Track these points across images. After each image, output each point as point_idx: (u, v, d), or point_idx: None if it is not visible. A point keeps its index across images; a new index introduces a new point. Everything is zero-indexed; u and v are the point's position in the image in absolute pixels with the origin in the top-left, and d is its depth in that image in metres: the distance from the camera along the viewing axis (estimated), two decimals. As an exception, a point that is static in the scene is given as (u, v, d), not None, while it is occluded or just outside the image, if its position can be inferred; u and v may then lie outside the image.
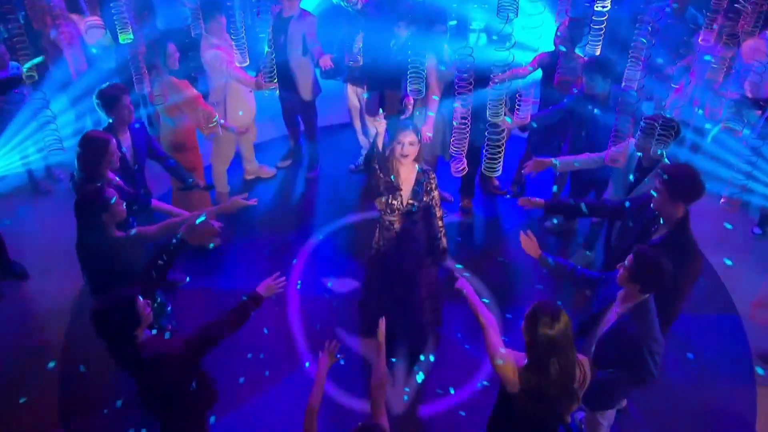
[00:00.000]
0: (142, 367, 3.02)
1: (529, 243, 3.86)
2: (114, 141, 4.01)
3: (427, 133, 5.07)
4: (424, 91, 4.17)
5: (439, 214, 4.31)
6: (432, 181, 4.18)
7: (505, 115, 3.81)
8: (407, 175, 4.12)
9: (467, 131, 3.75)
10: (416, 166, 4.15)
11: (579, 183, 5.34)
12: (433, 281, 4.52)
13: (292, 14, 5.79)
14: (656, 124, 3.92)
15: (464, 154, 3.84)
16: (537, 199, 4.20)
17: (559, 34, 5.27)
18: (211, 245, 5.65)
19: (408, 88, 5.16)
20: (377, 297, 4.54)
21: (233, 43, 5.32)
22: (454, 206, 6.24)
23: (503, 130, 3.69)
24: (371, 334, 4.62)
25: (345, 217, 6.13)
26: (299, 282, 5.43)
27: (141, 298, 3.02)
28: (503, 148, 3.63)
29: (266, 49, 4.69)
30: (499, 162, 3.66)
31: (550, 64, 5.42)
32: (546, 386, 2.87)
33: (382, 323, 3.45)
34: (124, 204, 3.69)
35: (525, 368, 2.93)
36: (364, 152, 6.71)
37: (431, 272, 4.46)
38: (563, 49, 5.30)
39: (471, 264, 5.53)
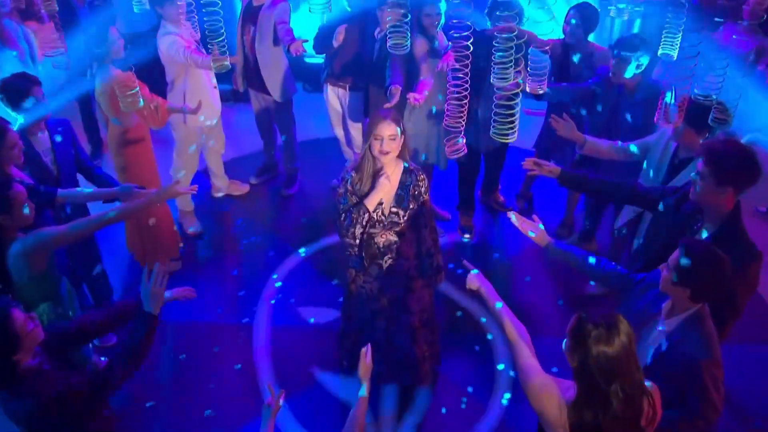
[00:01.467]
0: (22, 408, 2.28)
1: (529, 227, 3.13)
2: (11, 129, 3.36)
3: (416, 95, 4.37)
4: (408, 47, 3.52)
5: (431, 224, 3.60)
6: (421, 184, 3.47)
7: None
8: (389, 177, 3.40)
9: (465, 98, 3.11)
10: (400, 164, 3.45)
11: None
12: (427, 307, 3.77)
13: (262, 3, 5.17)
14: (712, 103, 3.17)
15: (462, 129, 3.20)
16: (551, 165, 3.49)
17: (573, 21, 4.60)
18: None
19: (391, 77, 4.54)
20: (358, 328, 3.80)
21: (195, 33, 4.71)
22: (452, 225, 5.52)
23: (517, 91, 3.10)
24: (352, 372, 3.89)
25: (326, 238, 5.41)
26: (271, 311, 4.70)
27: (19, 312, 2.28)
28: (517, 110, 3.01)
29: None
30: (514, 128, 3.04)
31: (561, 56, 4.75)
32: (606, 425, 2.13)
33: (367, 351, 2.74)
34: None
35: (576, 403, 2.19)
36: (347, 165, 5.98)
37: (424, 296, 3.72)
38: (571, 41, 4.65)
39: (474, 291, 4.80)
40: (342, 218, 3.38)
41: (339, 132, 5.77)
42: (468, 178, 5.29)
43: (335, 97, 5.51)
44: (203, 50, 4.66)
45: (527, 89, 4.18)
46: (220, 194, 5.89)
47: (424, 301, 3.72)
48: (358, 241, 3.41)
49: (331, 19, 5.09)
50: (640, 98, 4.10)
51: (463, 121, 3.20)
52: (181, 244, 5.15)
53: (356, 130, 5.50)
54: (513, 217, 3.18)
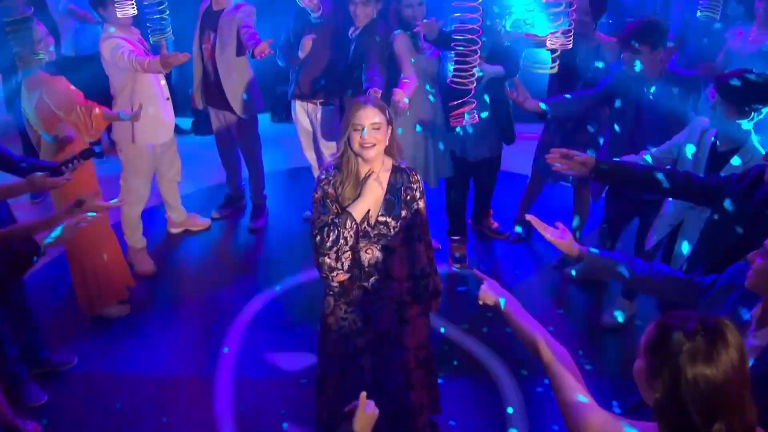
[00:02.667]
0: None
1: (554, 233, 2.54)
2: None
3: (402, 94, 3.76)
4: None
5: (426, 237, 2.98)
6: (414, 186, 2.86)
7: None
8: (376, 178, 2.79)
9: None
10: (389, 162, 2.85)
11: (619, 205, 4.07)
12: (424, 342, 3.11)
13: (224, 7, 4.64)
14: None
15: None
16: (583, 156, 2.88)
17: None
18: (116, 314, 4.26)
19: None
20: (339, 370, 3.11)
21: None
22: (442, 254, 4.90)
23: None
24: (334, 427, 3.18)
25: (297, 275, 4.75)
26: (233, 359, 4.00)
27: None
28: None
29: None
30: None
31: (567, 51, 4.24)
32: None
33: (362, 397, 2.04)
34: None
35: None
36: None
37: (420, 328, 3.06)
38: (578, 30, 4.15)
39: (472, 329, 4.18)
40: (320, 233, 2.71)
41: (310, 155, 5.19)
42: (456, 197, 4.70)
43: (304, 114, 4.94)
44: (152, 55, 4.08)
45: (525, 105, 3.67)
46: (176, 230, 5.23)
47: (420, 333, 3.07)
48: (343, 262, 2.75)
49: (297, 27, 4.59)
50: (662, 90, 3.59)
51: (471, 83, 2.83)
52: (131, 285, 4.44)
53: (329, 150, 4.91)
54: (533, 220, 2.57)
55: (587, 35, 4.18)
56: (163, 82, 4.42)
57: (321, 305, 3.05)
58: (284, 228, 5.36)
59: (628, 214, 4.11)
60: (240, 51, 4.66)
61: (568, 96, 3.85)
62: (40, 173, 3.12)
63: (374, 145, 2.68)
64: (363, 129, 2.66)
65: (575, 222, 4.77)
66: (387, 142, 2.75)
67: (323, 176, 2.80)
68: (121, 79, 4.22)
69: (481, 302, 2.24)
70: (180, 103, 4.63)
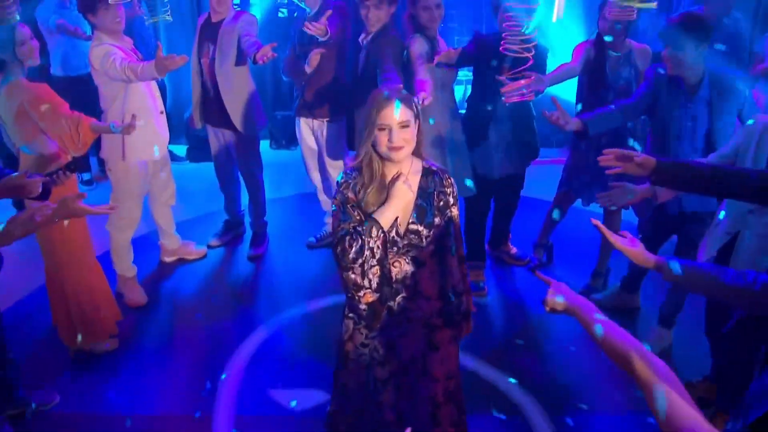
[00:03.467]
0: None
1: (623, 241, 2.17)
2: None
3: (425, 94, 3.41)
4: None
5: (459, 250, 2.64)
6: (448, 190, 2.53)
7: None
8: (408, 181, 2.46)
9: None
10: (418, 163, 2.53)
11: (657, 221, 3.73)
12: (454, 372, 2.74)
13: (223, 18, 4.38)
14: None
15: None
16: (641, 156, 2.55)
17: (607, 16, 3.85)
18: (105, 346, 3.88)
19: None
20: (357, 407, 2.73)
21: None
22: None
23: None
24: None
25: (301, 305, 4.39)
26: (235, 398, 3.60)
27: None
28: None
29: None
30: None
31: (594, 61, 3.98)
32: None
33: None
34: None
35: None
36: (327, 219, 5.07)
37: (450, 355, 2.70)
38: (609, 38, 3.90)
39: (494, 361, 3.81)
40: (341, 242, 2.37)
41: (314, 176, 4.88)
42: (477, 219, 4.39)
43: (309, 131, 4.65)
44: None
45: (566, 128, 3.35)
46: (170, 258, 4.88)
47: (450, 362, 2.70)
48: (371, 278, 2.40)
49: (303, 39, 4.32)
50: (706, 95, 3.31)
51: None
52: (119, 318, 4.06)
53: (336, 170, 4.60)
54: (599, 226, 2.24)
55: (618, 42, 3.92)
56: (157, 93, 4.12)
57: (340, 329, 2.68)
58: (286, 256, 5.02)
59: (667, 230, 3.79)
60: (240, 61, 4.39)
61: (612, 107, 3.55)
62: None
63: (403, 147, 2.36)
64: (390, 129, 2.34)
65: (602, 244, 4.46)
66: (414, 143, 2.43)
67: (343, 179, 2.47)
68: (112, 91, 3.91)
69: (548, 309, 1.90)
70: (175, 129, 4.32)
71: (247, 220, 5.17)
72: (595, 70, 4.01)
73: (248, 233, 5.18)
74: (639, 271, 4.08)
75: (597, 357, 3.87)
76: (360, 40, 4.10)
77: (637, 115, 3.57)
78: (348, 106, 4.36)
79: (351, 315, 2.63)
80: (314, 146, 4.68)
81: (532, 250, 4.85)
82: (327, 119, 4.52)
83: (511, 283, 4.68)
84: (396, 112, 2.33)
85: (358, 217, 2.40)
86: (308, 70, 4.19)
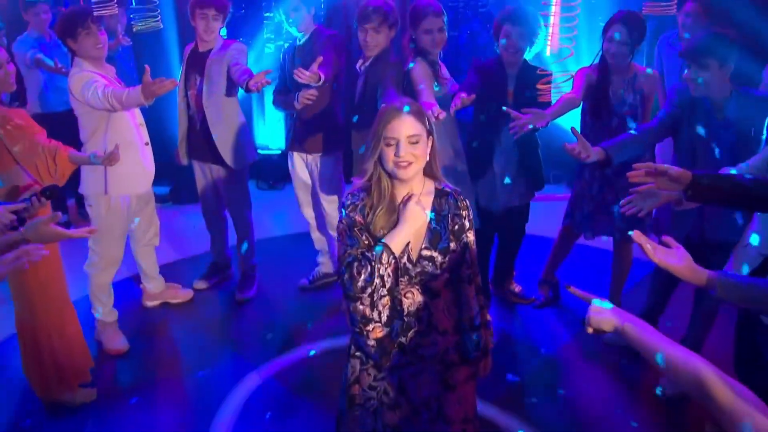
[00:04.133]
0: None
1: (676, 261, 1.95)
2: None
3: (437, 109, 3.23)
4: None
5: (477, 279, 2.43)
6: (463, 213, 2.33)
7: None
8: (420, 201, 2.27)
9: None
10: (430, 183, 2.34)
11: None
12: (471, 415, 2.49)
13: (211, 47, 4.24)
14: None
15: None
16: (676, 170, 2.36)
17: (618, 36, 3.72)
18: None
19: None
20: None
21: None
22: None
23: None
24: None
25: (293, 350, 4.13)
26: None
27: None
28: None
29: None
30: None
31: (597, 87, 3.85)
32: None
33: None
34: None
35: None
36: (321, 259, 4.85)
37: (468, 396, 2.45)
38: (615, 62, 3.78)
39: (501, 405, 3.56)
40: (348, 269, 2.15)
41: (307, 212, 4.68)
42: (479, 254, 4.18)
43: (303, 164, 4.46)
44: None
45: (589, 160, 3.17)
46: (153, 303, 4.60)
47: (467, 403, 2.46)
48: (380, 311, 2.19)
49: (295, 69, 4.17)
50: (733, 112, 3.16)
51: None
52: (91, 366, 3.76)
53: (332, 205, 4.40)
54: (636, 236, 2.03)
55: (622, 66, 3.80)
56: (141, 123, 3.93)
57: (345, 372, 2.44)
58: (277, 299, 4.76)
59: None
60: (230, 92, 4.22)
61: (633, 132, 3.39)
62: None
63: (411, 163, 2.18)
64: (398, 143, 2.16)
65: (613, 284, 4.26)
66: (428, 158, 2.25)
67: (348, 201, 2.27)
68: (93, 121, 3.70)
69: (590, 330, 1.69)
70: (157, 169, 4.12)
71: (236, 261, 4.93)
72: (597, 96, 3.88)
73: (236, 275, 4.93)
74: (657, 306, 3.88)
75: (615, 398, 3.68)
76: (357, 66, 3.95)
77: (660, 138, 3.42)
78: (344, 137, 4.19)
79: (357, 354, 2.39)
80: (308, 180, 4.49)
81: (538, 288, 4.65)
82: (320, 154, 4.34)
83: (517, 322, 4.46)
84: (403, 125, 2.15)
85: (366, 242, 2.19)
86: (298, 106, 4.03)
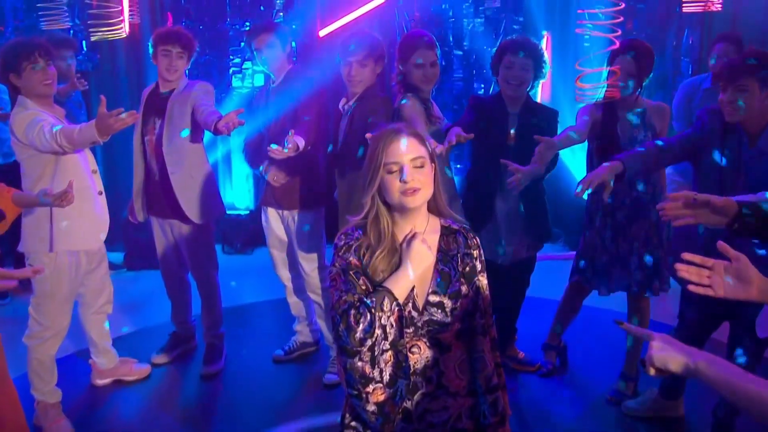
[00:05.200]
0: None
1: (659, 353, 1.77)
2: None
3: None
4: None
5: (491, 330, 2.26)
6: (474, 252, 2.19)
7: None
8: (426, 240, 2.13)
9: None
10: (435, 221, 2.20)
11: (704, 305, 3.37)
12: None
13: (173, 87, 4.15)
14: None
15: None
16: (716, 198, 2.22)
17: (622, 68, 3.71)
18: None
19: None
20: None
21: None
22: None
23: None
24: None
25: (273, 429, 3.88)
26: None
27: None
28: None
29: None
30: None
31: (603, 123, 3.80)
32: None
33: None
34: None
35: None
36: (298, 326, 4.65)
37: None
38: (623, 94, 3.74)
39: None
40: (344, 318, 1.97)
41: (283, 273, 4.51)
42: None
43: (278, 219, 4.31)
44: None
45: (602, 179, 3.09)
46: (104, 381, 4.33)
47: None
48: (382, 368, 2.03)
49: (268, 121, 4.13)
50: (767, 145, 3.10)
51: None
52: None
53: (311, 264, 4.23)
54: (695, 260, 1.90)
55: (630, 100, 3.77)
56: (94, 168, 3.77)
57: None
58: (248, 373, 4.52)
59: (715, 318, 3.44)
60: (194, 136, 4.10)
61: (649, 145, 3.32)
62: None
63: (420, 189, 2.04)
64: (401, 168, 2.02)
65: (629, 342, 4.11)
66: (431, 190, 2.11)
67: (342, 242, 2.11)
68: (38, 166, 3.51)
69: (653, 371, 1.55)
70: (109, 233, 3.96)
71: (200, 331, 4.70)
72: (604, 135, 3.83)
73: (201, 347, 4.69)
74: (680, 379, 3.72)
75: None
76: (340, 106, 3.86)
77: (678, 157, 3.31)
78: (326, 188, 4.07)
79: (353, 424, 2.19)
80: (284, 237, 4.33)
81: (543, 354, 4.48)
82: (298, 210, 4.21)
83: (522, 392, 4.25)
84: (406, 147, 2.04)
85: (364, 287, 2.03)
86: (269, 179, 4.05)
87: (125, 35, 3.48)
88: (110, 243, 4.04)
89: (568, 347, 4.51)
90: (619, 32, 3.52)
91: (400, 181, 2.02)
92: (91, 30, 2.98)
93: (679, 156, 3.30)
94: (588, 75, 3.49)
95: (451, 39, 6.86)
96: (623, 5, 3.44)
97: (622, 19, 3.52)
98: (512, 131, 3.86)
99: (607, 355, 4.47)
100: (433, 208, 2.18)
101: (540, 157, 3.36)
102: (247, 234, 6.73)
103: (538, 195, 4.01)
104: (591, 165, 3.94)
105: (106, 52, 6.40)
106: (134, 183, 4.33)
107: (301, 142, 3.70)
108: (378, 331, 1.96)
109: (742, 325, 3.25)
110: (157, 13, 6.46)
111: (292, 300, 4.58)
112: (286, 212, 4.24)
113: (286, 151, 3.52)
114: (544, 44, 6.43)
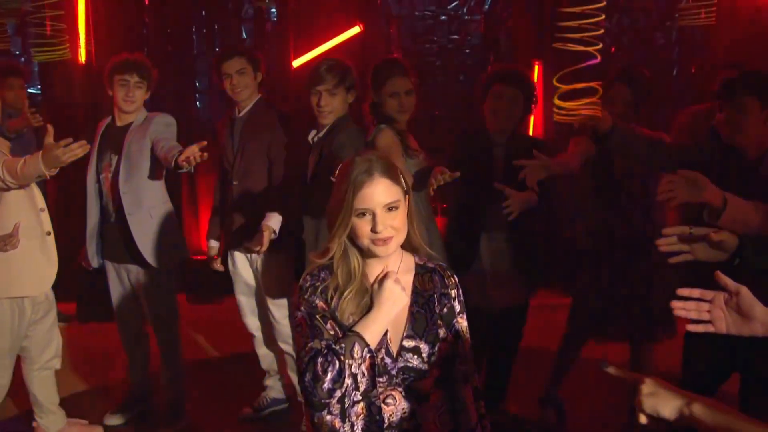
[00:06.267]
0: None
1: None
2: None
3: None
4: None
5: (473, 378, 2.24)
6: (452, 292, 2.22)
7: None
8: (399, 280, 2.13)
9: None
10: (409, 258, 2.22)
11: (711, 353, 3.36)
12: None
13: (131, 121, 4.18)
14: None
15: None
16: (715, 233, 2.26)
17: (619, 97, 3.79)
18: None
19: None
20: None
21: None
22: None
23: None
24: None
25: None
26: None
27: None
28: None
29: None
30: None
31: (601, 154, 3.86)
32: None
33: None
34: None
35: None
36: (268, 381, 4.64)
37: None
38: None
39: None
40: (310, 367, 1.94)
41: (251, 322, 4.52)
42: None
43: (245, 262, 4.34)
44: None
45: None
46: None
47: None
48: (354, 422, 2.03)
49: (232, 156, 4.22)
50: None
51: None
52: None
53: (281, 311, 4.23)
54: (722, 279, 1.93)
55: (628, 131, 3.82)
56: (41, 203, 3.76)
57: None
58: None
59: (725, 365, 3.43)
60: (154, 173, 4.11)
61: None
62: None
63: (392, 237, 2.04)
64: (374, 215, 2.02)
65: (640, 419, 4.11)
66: (405, 231, 2.11)
67: (307, 284, 2.11)
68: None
69: (643, 419, 1.57)
70: (60, 280, 3.96)
71: (159, 388, 4.65)
72: (599, 170, 3.88)
73: (161, 406, 4.64)
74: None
75: None
76: (309, 138, 3.88)
77: (664, 160, 3.34)
78: (293, 229, 4.08)
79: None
80: (251, 282, 4.34)
81: (539, 410, 4.46)
82: (265, 252, 4.22)
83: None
84: (379, 192, 2.01)
85: (332, 332, 2.02)
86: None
87: (69, 56, 3.49)
88: (61, 291, 4.02)
89: (565, 401, 4.51)
90: (600, 45, 3.57)
91: (371, 230, 2.02)
92: (34, 50, 2.99)
93: (672, 159, 3.30)
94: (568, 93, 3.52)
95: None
96: (603, 16, 3.51)
97: (603, 31, 3.58)
98: (498, 164, 3.89)
99: (609, 408, 4.45)
100: (407, 244, 2.18)
101: (530, 180, 3.40)
102: (215, 281, 6.67)
103: (528, 233, 3.98)
104: (583, 200, 3.99)
105: (60, 81, 6.44)
106: (88, 225, 4.31)
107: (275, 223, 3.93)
108: (348, 381, 1.94)
109: (754, 380, 3.24)
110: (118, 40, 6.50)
111: (262, 352, 4.56)
112: (254, 255, 4.25)
113: None
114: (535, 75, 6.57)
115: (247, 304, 4.46)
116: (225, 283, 4.64)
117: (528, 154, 3.76)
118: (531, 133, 6.69)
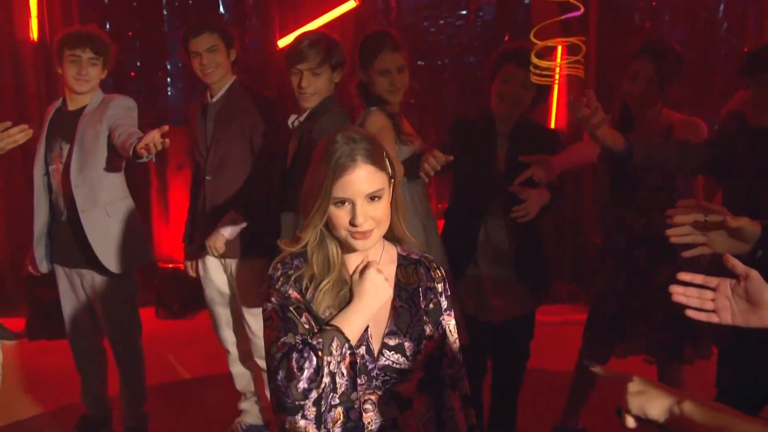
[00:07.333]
0: None
1: None
2: None
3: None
4: None
5: (462, 383, 2.35)
6: (439, 285, 2.30)
7: None
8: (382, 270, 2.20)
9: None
10: (391, 249, 2.31)
11: (742, 366, 3.45)
12: None
13: (84, 104, 4.26)
14: None
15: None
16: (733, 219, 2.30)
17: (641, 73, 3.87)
18: None
19: None
20: None
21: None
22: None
23: None
24: None
25: None
26: None
27: None
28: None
29: None
30: None
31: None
32: None
33: None
34: None
35: None
36: (243, 404, 4.74)
37: None
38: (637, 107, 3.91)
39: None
40: (283, 364, 2.00)
41: (226, 335, 4.61)
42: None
43: (218, 268, 4.42)
44: None
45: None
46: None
47: None
48: (330, 428, 2.11)
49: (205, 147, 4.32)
50: None
51: None
52: None
53: (259, 321, 4.29)
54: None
55: (650, 114, 3.91)
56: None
57: None
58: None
59: (756, 380, 3.51)
60: (111, 164, 4.18)
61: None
62: None
63: (372, 230, 2.11)
64: (354, 205, 2.08)
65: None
66: (387, 222, 2.17)
67: (278, 272, 2.19)
68: None
69: (631, 422, 1.64)
70: (8, 292, 4.06)
71: (119, 412, 4.73)
72: (614, 160, 3.97)
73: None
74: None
75: None
76: (290, 122, 3.94)
77: (695, 162, 3.39)
78: (271, 228, 4.17)
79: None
80: (226, 289, 4.42)
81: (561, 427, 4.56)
82: (239, 257, 4.31)
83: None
84: (361, 179, 2.07)
85: (307, 326, 2.10)
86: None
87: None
88: (8, 305, 4.10)
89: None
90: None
91: (349, 222, 2.08)
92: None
93: (702, 160, 3.37)
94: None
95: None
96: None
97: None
98: (502, 153, 3.93)
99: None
100: (390, 234, 2.25)
101: (541, 177, 3.48)
102: (188, 293, 6.77)
103: (532, 236, 4.03)
104: (602, 196, 4.08)
105: (7, 60, 6.55)
106: (35, 224, 4.35)
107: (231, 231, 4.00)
108: (326, 380, 1.99)
109: None
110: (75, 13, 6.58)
111: (237, 370, 4.62)
112: (229, 260, 4.33)
113: None
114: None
115: (221, 313, 4.53)
116: (199, 295, 4.71)
117: (536, 147, 3.82)
118: (552, 125, 6.77)
